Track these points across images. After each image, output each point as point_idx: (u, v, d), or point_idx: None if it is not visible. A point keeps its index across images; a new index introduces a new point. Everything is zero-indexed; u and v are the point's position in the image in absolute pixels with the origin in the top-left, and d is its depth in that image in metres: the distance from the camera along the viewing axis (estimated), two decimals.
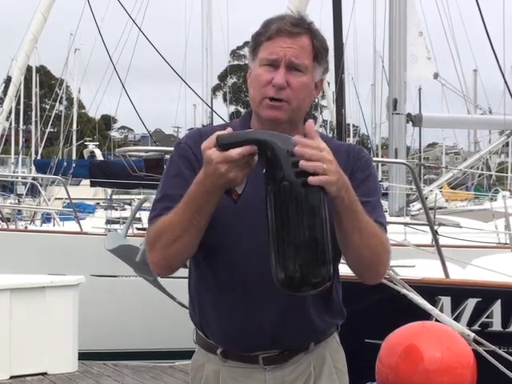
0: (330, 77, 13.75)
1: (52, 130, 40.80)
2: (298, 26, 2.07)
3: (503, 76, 8.81)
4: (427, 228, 6.81)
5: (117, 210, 16.91)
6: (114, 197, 18.23)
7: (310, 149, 1.81)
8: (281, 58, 2.05)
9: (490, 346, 4.05)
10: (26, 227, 11.60)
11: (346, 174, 2.08)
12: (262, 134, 1.88)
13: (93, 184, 20.10)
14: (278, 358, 2.15)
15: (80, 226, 9.76)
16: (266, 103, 2.07)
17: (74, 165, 21.46)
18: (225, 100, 60.09)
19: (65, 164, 21.80)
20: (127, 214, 15.00)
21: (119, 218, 12.72)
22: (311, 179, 1.79)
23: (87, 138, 41.94)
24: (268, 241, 1.84)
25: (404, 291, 4.30)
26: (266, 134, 1.87)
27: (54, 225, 13.66)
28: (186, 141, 2.17)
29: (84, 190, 21.31)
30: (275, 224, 1.83)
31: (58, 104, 43.09)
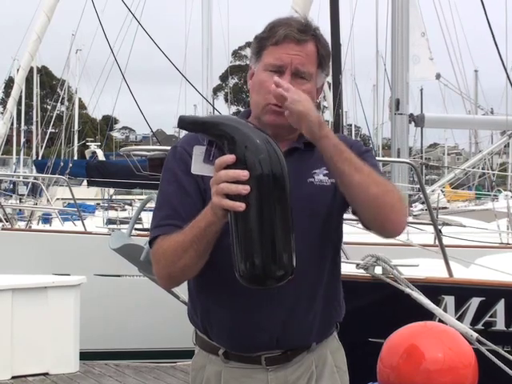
0: (329, 78, 13.78)
1: (53, 130, 40.78)
2: (305, 32, 2.07)
3: (507, 74, 8.77)
4: (429, 228, 6.81)
5: (117, 210, 16.91)
6: (114, 197, 18.23)
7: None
8: (286, 65, 2.06)
9: (493, 346, 4.04)
10: (29, 227, 11.60)
11: None
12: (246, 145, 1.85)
13: (90, 184, 20.11)
14: (280, 358, 2.14)
15: (84, 225, 9.77)
16: (270, 108, 2.07)
17: (70, 164, 21.40)
18: (226, 100, 60.14)
19: (61, 164, 21.77)
20: (126, 214, 15.01)
21: (116, 218, 12.72)
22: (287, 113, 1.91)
23: (89, 139, 41.97)
24: (230, 235, 1.84)
25: (408, 290, 4.28)
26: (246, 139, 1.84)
27: (50, 225, 13.66)
28: (182, 144, 2.15)
29: (85, 191, 21.31)
30: (234, 219, 1.83)
31: (59, 104, 43.11)
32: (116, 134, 72.28)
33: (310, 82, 2.09)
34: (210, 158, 1.91)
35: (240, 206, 1.79)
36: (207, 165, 1.92)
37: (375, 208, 1.99)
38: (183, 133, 2.04)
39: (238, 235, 1.82)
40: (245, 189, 1.78)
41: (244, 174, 1.79)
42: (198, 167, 1.95)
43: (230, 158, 1.82)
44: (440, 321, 4.16)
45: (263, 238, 1.79)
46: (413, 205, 10.75)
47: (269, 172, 1.80)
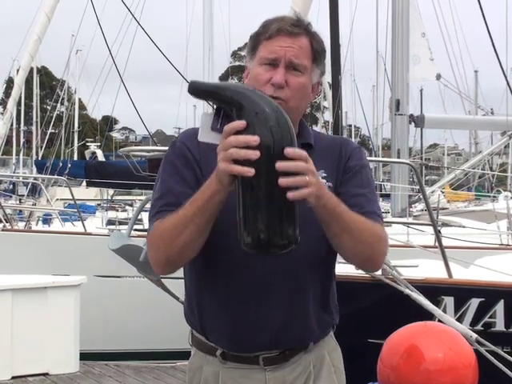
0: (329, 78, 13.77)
1: (53, 130, 40.78)
2: (298, 26, 2.07)
3: (505, 77, 8.80)
4: (429, 229, 6.81)
5: (118, 210, 16.89)
6: (115, 198, 18.21)
7: (297, 162, 1.79)
8: (280, 57, 2.05)
9: (493, 347, 4.04)
10: (29, 227, 11.61)
11: (339, 164, 2.14)
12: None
13: (89, 184, 20.11)
14: (278, 358, 2.14)
15: (84, 226, 9.76)
16: None
17: (69, 165, 21.40)
18: None
19: (60, 164, 21.75)
20: (126, 215, 15.00)
21: (116, 218, 12.70)
22: (291, 195, 1.77)
23: (88, 139, 41.96)
24: (236, 204, 1.82)
25: (407, 291, 4.29)
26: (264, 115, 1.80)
27: (49, 226, 13.65)
28: (181, 139, 2.15)
29: (85, 191, 21.30)
30: (241, 186, 1.80)
31: (59, 105, 43.09)
32: (116, 135, 72.27)
33: (304, 75, 2.07)
34: (218, 125, 1.90)
35: (249, 170, 1.76)
36: (214, 132, 1.91)
37: (358, 259, 2.09)
38: None
39: (245, 202, 1.80)
40: (255, 154, 1.76)
41: (254, 139, 1.76)
42: (206, 134, 1.93)
43: (240, 123, 1.79)
44: (439, 321, 4.16)
45: (270, 204, 1.77)
46: (413, 206, 10.75)
47: (278, 139, 1.78)
